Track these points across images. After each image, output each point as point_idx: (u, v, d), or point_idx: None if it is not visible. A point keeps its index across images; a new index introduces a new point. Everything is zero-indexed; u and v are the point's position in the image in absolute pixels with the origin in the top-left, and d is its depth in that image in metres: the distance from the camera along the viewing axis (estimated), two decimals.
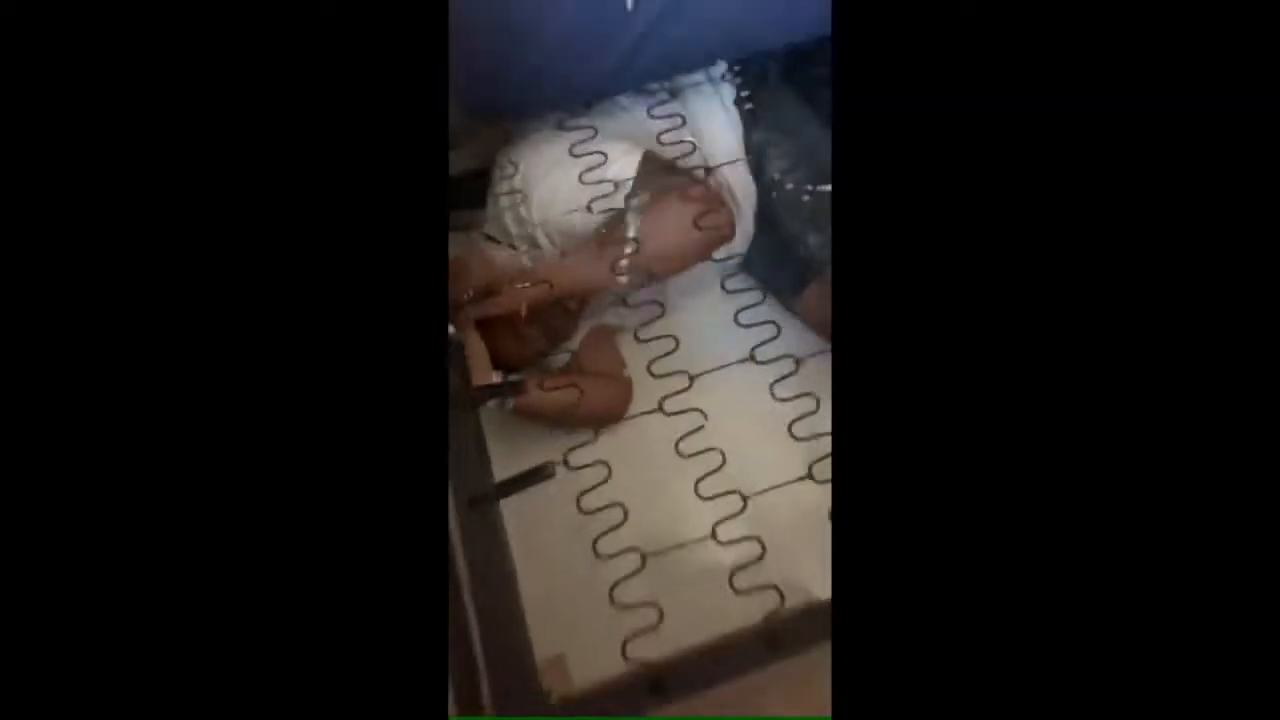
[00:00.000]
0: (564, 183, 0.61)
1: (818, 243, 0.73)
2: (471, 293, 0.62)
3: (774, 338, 0.60)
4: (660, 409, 0.56)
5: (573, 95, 0.63)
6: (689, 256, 0.63)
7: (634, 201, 0.60)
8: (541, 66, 0.58)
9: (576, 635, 0.54)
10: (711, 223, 0.60)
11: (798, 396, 0.55)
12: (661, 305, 0.60)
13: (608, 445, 0.59)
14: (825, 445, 0.50)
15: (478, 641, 0.50)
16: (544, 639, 0.53)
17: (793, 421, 0.53)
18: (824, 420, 0.52)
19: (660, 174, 0.62)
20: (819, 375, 0.56)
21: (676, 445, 0.54)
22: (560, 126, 0.65)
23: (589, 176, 0.60)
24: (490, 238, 0.69)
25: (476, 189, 0.71)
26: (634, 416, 0.66)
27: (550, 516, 0.56)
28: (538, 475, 0.55)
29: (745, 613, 0.49)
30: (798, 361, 0.59)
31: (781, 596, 0.48)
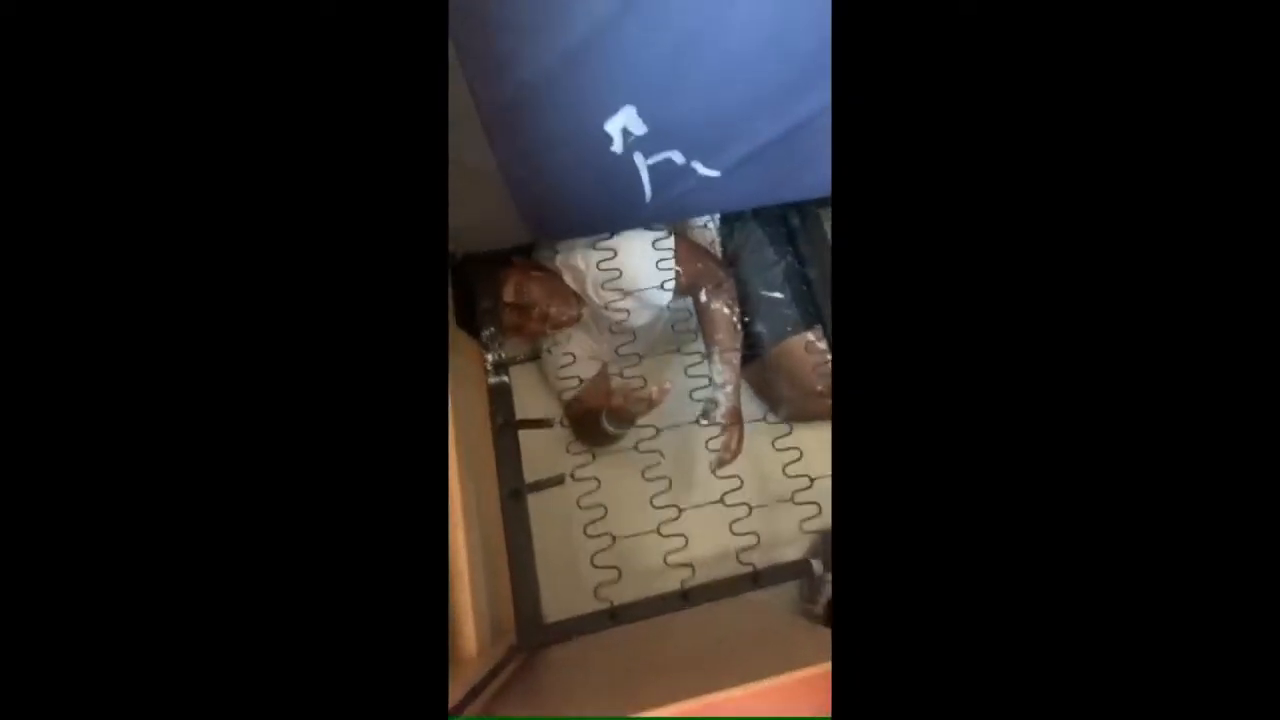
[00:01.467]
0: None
1: (761, 330, 1.04)
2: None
3: (715, 408, 0.92)
4: (635, 448, 0.88)
5: (601, 229, 0.94)
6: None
7: None
8: (583, 212, 0.89)
9: (566, 583, 0.86)
10: None
11: (721, 450, 0.87)
12: (643, 378, 0.92)
13: (600, 466, 0.91)
14: (734, 482, 0.83)
15: (508, 582, 0.82)
16: (547, 585, 0.85)
17: (714, 467, 0.86)
18: (736, 466, 0.85)
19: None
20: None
21: (643, 472, 0.86)
22: (593, 246, 0.96)
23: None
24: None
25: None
26: (617, 451, 0.98)
27: (559, 508, 0.88)
28: (553, 481, 0.87)
29: (670, 580, 0.81)
30: (724, 427, 0.91)
31: (693, 572, 0.80)
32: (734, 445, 0.91)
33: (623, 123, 0.67)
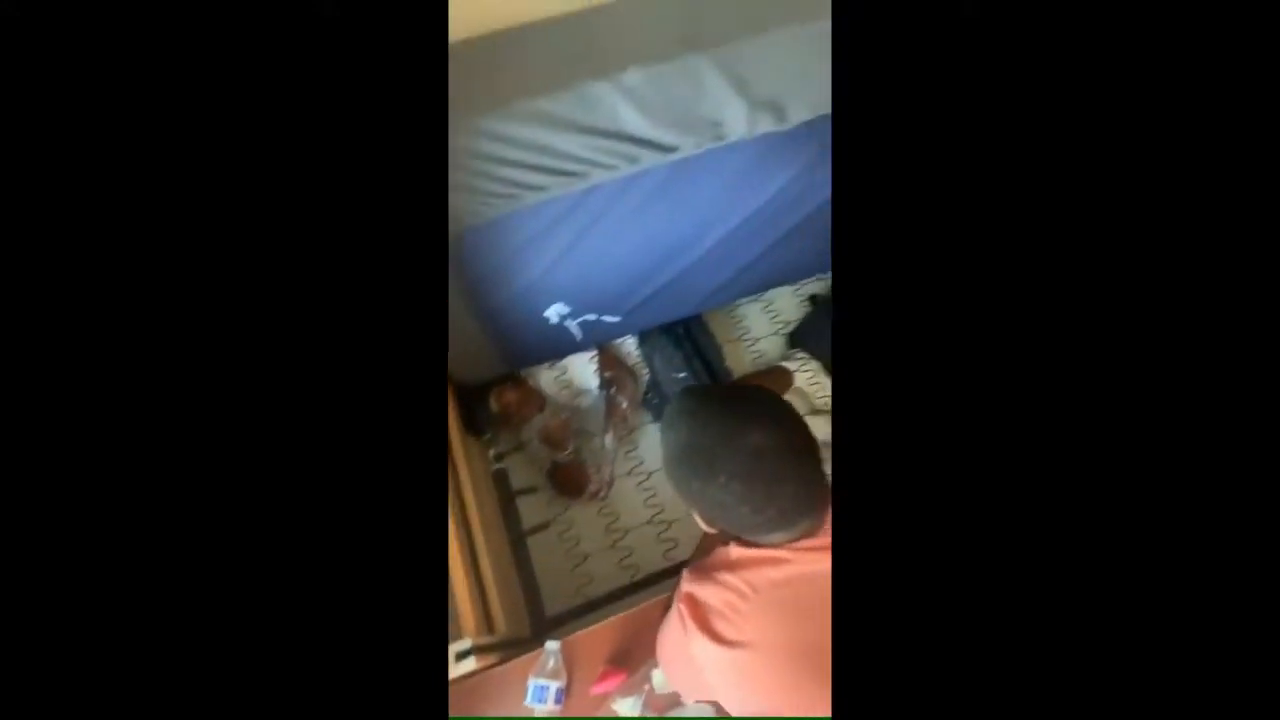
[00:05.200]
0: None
1: None
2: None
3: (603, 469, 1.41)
4: (595, 497, 1.35)
5: (552, 359, 1.44)
6: None
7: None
8: (538, 352, 1.38)
9: (558, 587, 1.31)
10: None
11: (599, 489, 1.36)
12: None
13: (571, 513, 1.38)
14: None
15: (520, 592, 1.27)
16: (546, 590, 1.30)
17: (588, 500, 1.34)
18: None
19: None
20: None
21: (598, 511, 1.33)
22: (549, 367, 1.46)
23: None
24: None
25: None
26: (579, 503, 1.45)
27: (549, 542, 1.34)
28: (542, 527, 1.33)
29: (623, 576, 1.27)
30: (607, 478, 1.39)
31: (638, 569, 1.27)
32: (604, 490, 1.39)
33: (556, 310, 1.18)
